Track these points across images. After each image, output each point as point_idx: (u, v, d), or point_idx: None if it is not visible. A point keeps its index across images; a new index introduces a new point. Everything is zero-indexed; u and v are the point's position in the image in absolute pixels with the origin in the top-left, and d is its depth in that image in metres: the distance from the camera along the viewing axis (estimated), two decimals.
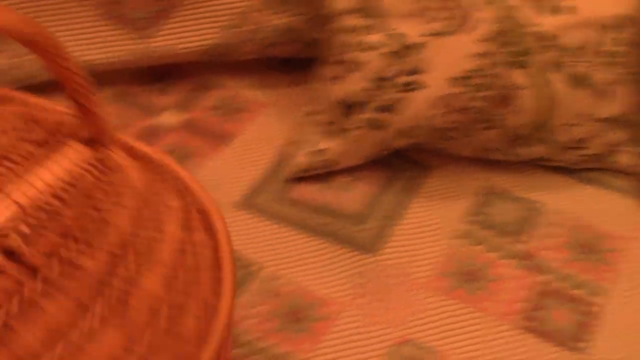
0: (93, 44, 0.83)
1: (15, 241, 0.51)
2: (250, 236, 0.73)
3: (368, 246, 0.72)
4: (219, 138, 0.82)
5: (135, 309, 0.51)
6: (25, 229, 0.52)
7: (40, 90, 0.83)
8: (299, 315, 0.67)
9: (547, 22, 0.72)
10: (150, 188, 0.57)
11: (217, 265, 0.55)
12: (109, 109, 0.84)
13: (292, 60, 0.90)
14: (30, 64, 0.82)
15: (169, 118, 0.84)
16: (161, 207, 0.57)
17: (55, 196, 0.53)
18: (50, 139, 0.57)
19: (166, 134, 0.82)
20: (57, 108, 0.62)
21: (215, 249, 0.56)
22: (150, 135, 0.82)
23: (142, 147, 0.60)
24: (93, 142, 0.58)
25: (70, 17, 0.82)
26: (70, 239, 0.52)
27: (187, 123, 0.83)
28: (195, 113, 0.85)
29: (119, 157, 0.58)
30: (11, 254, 0.51)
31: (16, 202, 0.52)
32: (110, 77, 0.87)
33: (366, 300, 0.68)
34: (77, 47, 0.82)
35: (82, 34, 0.83)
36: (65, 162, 0.54)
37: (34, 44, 0.45)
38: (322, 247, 0.72)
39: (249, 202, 0.76)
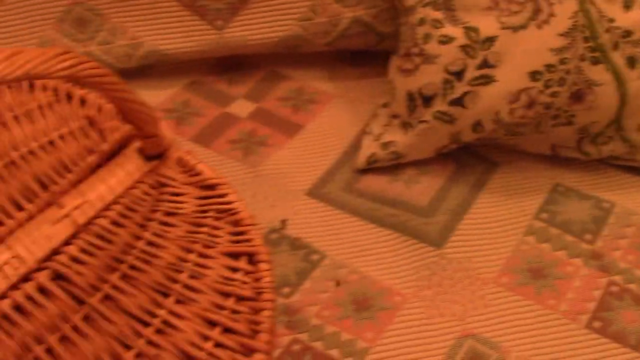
0: (169, 34, 0.86)
1: (66, 267, 0.52)
2: (316, 224, 0.74)
3: (434, 239, 0.73)
4: (289, 128, 0.83)
5: (170, 351, 0.52)
6: (77, 253, 0.53)
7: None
8: (362, 304, 0.67)
9: (624, 18, 0.71)
10: (199, 214, 0.57)
11: (257, 296, 0.56)
12: (183, 97, 0.86)
13: (361, 53, 0.91)
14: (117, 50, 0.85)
15: (239, 108, 0.86)
16: (207, 235, 0.57)
17: (112, 221, 0.54)
18: (112, 151, 0.58)
19: (237, 123, 0.84)
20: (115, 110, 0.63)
21: (256, 282, 0.56)
22: (222, 124, 0.83)
23: (201, 167, 0.61)
24: (153, 158, 0.59)
25: (148, 8, 0.85)
26: (116, 273, 0.53)
27: (257, 113, 0.85)
28: (265, 103, 0.86)
29: (176, 176, 0.59)
30: (59, 278, 0.53)
31: (74, 222, 0.54)
32: (184, 66, 0.89)
33: (431, 293, 0.68)
34: (153, 36, 0.85)
35: (158, 24, 0.85)
36: (127, 181, 0.56)
37: (93, 82, 0.47)
38: (387, 238, 0.73)
39: (317, 191, 0.77)
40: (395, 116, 0.78)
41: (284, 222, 0.73)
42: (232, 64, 0.91)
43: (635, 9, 0.71)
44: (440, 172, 0.79)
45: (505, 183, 0.78)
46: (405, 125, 0.77)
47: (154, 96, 0.86)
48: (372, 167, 0.79)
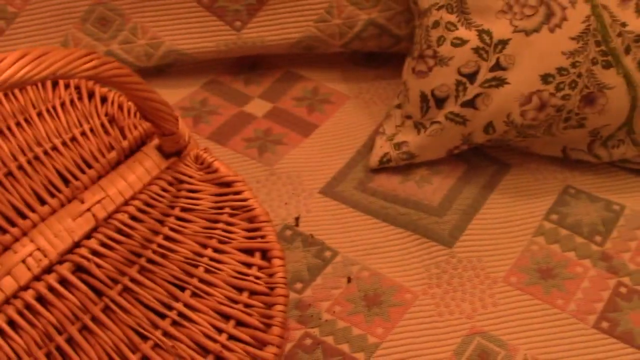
0: (188, 33, 0.87)
1: (87, 259, 0.54)
2: (329, 222, 0.75)
3: (445, 238, 0.74)
4: (304, 127, 0.85)
5: (186, 343, 0.53)
6: (97, 247, 0.55)
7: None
8: (373, 301, 0.69)
9: (637, 22, 0.72)
10: (216, 210, 0.59)
11: (270, 291, 0.57)
12: (201, 96, 0.88)
13: (376, 55, 0.92)
14: (139, 49, 0.87)
15: (256, 107, 0.87)
16: (223, 231, 0.58)
17: (131, 216, 0.56)
18: (132, 147, 0.60)
19: (253, 122, 0.86)
20: (135, 109, 0.65)
21: (269, 277, 0.58)
22: (238, 122, 0.85)
23: (217, 165, 0.62)
24: (171, 155, 0.60)
25: (168, 8, 0.87)
26: (135, 266, 0.55)
27: (273, 112, 0.87)
28: (281, 103, 0.88)
29: (193, 173, 0.60)
30: (79, 271, 0.54)
31: (95, 217, 0.55)
32: (202, 66, 0.91)
33: (440, 291, 0.70)
34: (173, 36, 0.87)
35: (178, 24, 0.87)
36: (146, 178, 0.57)
37: (115, 82, 0.48)
38: (399, 237, 0.74)
39: (331, 190, 0.78)
40: (408, 117, 0.79)
41: (297, 219, 0.75)
42: (249, 64, 0.93)
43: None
44: (451, 172, 0.80)
45: (516, 184, 0.79)
46: (418, 126, 0.78)
47: (172, 95, 0.88)
48: (384, 167, 0.80)
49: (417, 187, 0.79)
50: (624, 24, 0.72)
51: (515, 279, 0.71)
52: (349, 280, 0.70)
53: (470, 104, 0.75)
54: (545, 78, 0.73)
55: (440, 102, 0.76)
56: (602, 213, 0.76)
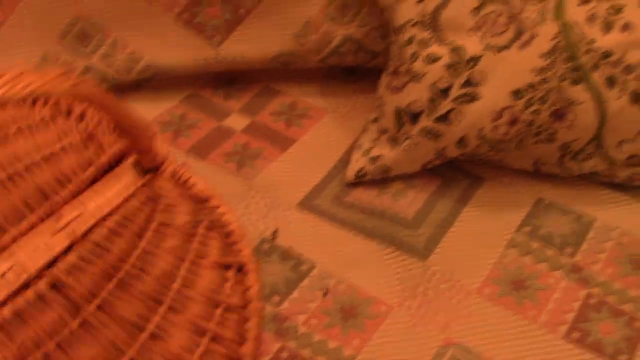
0: (167, 48, 0.88)
1: (64, 275, 0.55)
2: (307, 235, 0.76)
3: (419, 251, 0.75)
4: (282, 142, 0.86)
5: (162, 358, 0.54)
6: (75, 261, 0.55)
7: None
8: (349, 313, 0.70)
9: (604, 39, 0.74)
10: (192, 226, 0.60)
11: (245, 305, 0.58)
12: (180, 110, 0.89)
13: (353, 70, 0.94)
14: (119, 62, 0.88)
15: (234, 121, 0.88)
16: (199, 245, 0.59)
17: (108, 230, 0.57)
18: (110, 164, 0.60)
19: (232, 136, 0.87)
20: (112, 124, 0.65)
21: (244, 292, 0.59)
22: (217, 136, 0.86)
23: (194, 180, 0.63)
24: (148, 171, 0.61)
25: (148, 23, 0.88)
26: (113, 281, 0.56)
27: (252, 127, 0.88)
28: (260, 117, 0.89)
29: (170, 189, 0.61)
30: (57, 286, 0.55)
31: (74, 232, 0.56)
32: (181, 80, 0.92)
33: (415, 303, 0.71)
34: (152, 51, 0.88)
35: (158, 39, 0.88)
36: (124, 193, 0.58)
37: (90, 100, 0.50)
38: (375, 250, 0.75)
39: (308, 203, 0.79)
40: (384, 131, 0.81)
41: (275, 232, 0.76)
42: (228, 79, 0.94)
43: (614, 31, 0.74)
44: (426, 186, 0.82)
45: (489, 197, 0.81)
46: (393, 141, 0.80)
47: (152, 108, 0.89)
48: (361, 181, 0.81)
49: (392, 201, 0.80)
50: (591, 41, 0.74)
51: (489, 291, 0.72)
52: (326, 293, 0.71)
53: (443, 119, 0.76)
54: (516, 94, 0.74)
55: (414, 118, 0.78)
56: (573, 225, 0.78)
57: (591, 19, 0.74)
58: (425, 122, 0.77)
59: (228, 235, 0.60)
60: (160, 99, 0.90)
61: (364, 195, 0.80)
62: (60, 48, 0.87)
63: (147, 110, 0.88)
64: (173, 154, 0.80)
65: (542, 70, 0.73)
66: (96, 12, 0.87)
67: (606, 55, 0.74)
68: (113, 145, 0.62)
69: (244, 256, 0.59)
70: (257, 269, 0.59)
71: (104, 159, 0.61)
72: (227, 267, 0.59)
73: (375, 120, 0.83)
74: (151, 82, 0.92)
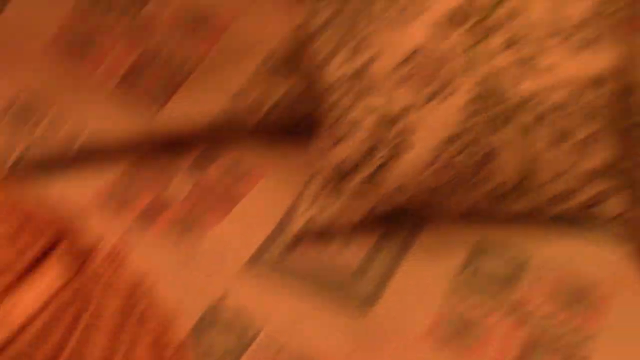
0: (106, 118, 0.90)
1: None
2: (252, 296, 0.77)
3: (364, 302, 0.77)
4: (226, 203, 0.87)
5: None
6: (13, 355, 0.56)
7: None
8: None
9: (528, 83, 0.76)
10: (126, 307, 0.60)
11: None
12: (123, 181, 0.90)
13: (293, 127, 0.95)
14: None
15: (176, 187, 0.89)
16: (133, 328, 0.60)
17: (43, 323, 0.57)
18: (45, 250, 0.61)
19: (175, 201, 0.88)
20: (49, 205, 0.66)
21: None
22: (160, 204, 0.87)
23: (130, 259, 0.64)
24: (81, 257, 0.62)
25: (87, 96, 0.89)
26: None
27: (194, 191, 0.89)
28: (203, 180, 0.90)
29: (102, 275, 0.62)
30: None
31: (10, 325, 0.56)
32: (123, 149, 0.93)
33: (361, 355, 0.72)
34: (92, 124, 0.89)
35: (96, 110, 0.90)
36: (58, 281, 0.59)
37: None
38: (319, 306, 0.76)
39: (255, 261, 0.81)
40: (323, 187, 0.83)
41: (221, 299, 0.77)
42: (169, 143, 0.95)
43: (529, 80, 0.76)
44: (368, 236, 0.83)
45: (429, 243, 0.83)
46: (335, 193, 0.82)
47: (94, 180, 0.89)
48: (306, 234, 0.83)
49: (335, 254, 0.81)
50: (514, 86, 0.76)
51: (434, 336, 0.74)
52: (276, 353, 0.72)
53: (379, 170, 0.78)
54: (444, 144, 0.77)
55: (351, 171, 0.80)
56: (513, 264, 0.80)
57: (511, 63, 0.77)
58: (362, 173, 0.79)
59: (162, 316, 0.61)
60: (103, 170, 0.91)
61: (308, 251, 0.82)
62: None
63: (90, 183, 0.88)
64: (113, 230, 0.81)
65: (464, 120, 0.76)
66: (32, 91, 0.88)
67: (528, 98, 0.76)
68: (45, 235, 0.62)
69: (179, 338, 0.59)
70: (191, 349, 0.59)
71: (37, 247, 0.62)
72: (160, 350, 0.60)
73: (315, 176, 0.84)
74: (94, 155, 0.93)
